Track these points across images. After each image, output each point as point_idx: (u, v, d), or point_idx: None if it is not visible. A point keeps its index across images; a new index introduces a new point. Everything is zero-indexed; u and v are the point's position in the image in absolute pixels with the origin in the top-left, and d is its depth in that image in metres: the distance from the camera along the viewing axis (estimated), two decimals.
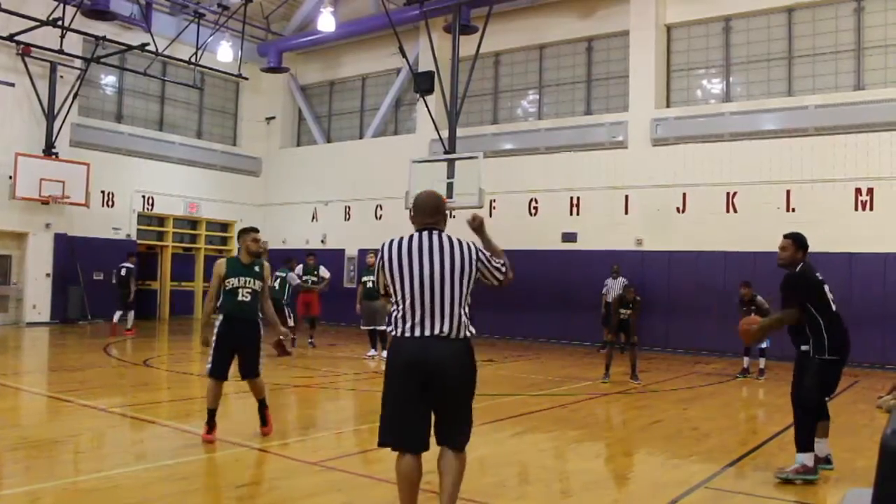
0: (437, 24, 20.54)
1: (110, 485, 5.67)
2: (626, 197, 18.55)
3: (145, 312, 21.31)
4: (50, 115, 20.18)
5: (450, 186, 17.63)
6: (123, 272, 18.20)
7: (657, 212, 18.01)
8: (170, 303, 23.94)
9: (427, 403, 4.22)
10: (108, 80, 22.90)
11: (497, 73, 21.90)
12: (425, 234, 4.33)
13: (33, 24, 18.49)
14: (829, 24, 17.09)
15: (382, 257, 4.35)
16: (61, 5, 18.47)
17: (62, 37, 19.24)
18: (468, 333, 4.27)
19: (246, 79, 23.88)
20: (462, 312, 4.23)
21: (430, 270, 4.20)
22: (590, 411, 9.95)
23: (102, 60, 20.70)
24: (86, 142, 21.40)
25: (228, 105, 25.98)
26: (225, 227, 25.51)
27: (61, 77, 20.40)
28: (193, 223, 24.78)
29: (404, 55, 19.77)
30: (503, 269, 4.39)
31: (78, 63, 20.53)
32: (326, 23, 20.59)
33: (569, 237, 19.29)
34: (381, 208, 22.75)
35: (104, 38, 20.13)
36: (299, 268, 15.80)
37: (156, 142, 23.24)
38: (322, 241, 23.86)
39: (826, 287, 6.33)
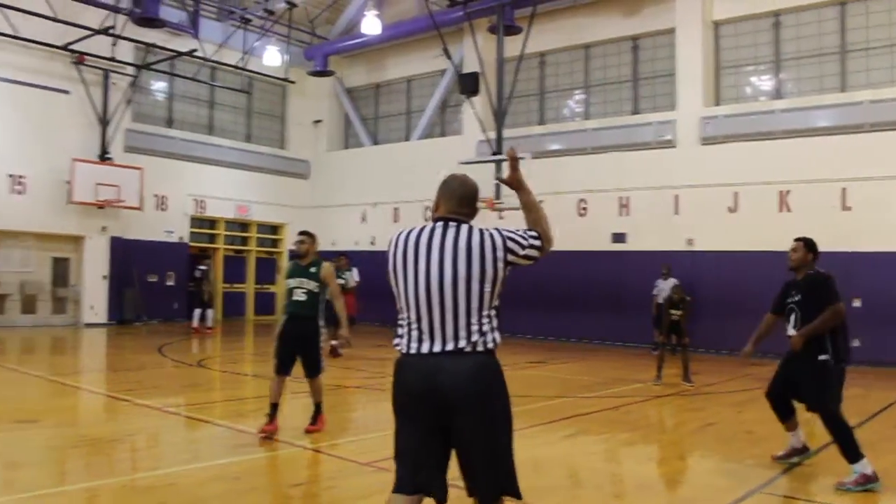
0: (481, 25, 20.54)
1: (166, 483, 5.77)
2: (676, 197, 18.31)
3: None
4: (104, 122, 20.64)
5: (498, 188, 17.62)
6: (199, 274, 19.52)
7: (708, 211, 17.76)
8: (223, 304, 24.29)
9: (443, 438, 3.34)
10: (159, 85, 23.30)
11: (542, 74, 21.81)
12: (440, 225, 3.45)
13: (87, 33, 18.94)
14: (883, 16, 16.66)
15: (389, 250, 3.53)
16: (113, 14, 18.89)
17: (114, 45, 19.67)
18: (491, 344, 3.35)
19: (292, 82, 24.14)
20: (483, 321, 3.34)
21: (440, 271, 3.31)
22: (642, 414, 9.86)
23: (153, 67, 21.16)
24: (139, 147, 21.81)
25: (276, 109, 26.27)
26: (275, 229, 25.82)
27: (114, 84, 20.86)
28: (244, 226, 25.11)
29: (449, 57, 19.81)
30: (537, 244, 3.45)
31: (130, 70, 20.96)
32: (371, 26, 20.73)
33: (618, 238, 19.13)
34: (428, 210, 22.75)
35: (154, 46, 20.56)
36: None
37: (206, 146, 23.60)
38: (371, 243, 23.98)
39: None
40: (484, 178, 17.11)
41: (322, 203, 25.82)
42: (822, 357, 6.11)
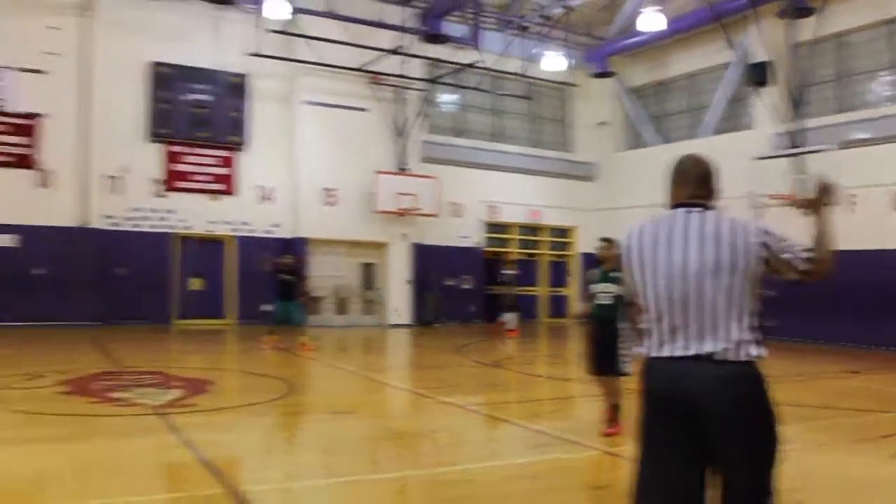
0: (768, 11, 19.10)
1: (466, 478, 5.95)
2: None
3: (493, 317, 22.20)
4: (401, 135, 22.10)
5: (800, 183, 16.28)
6: (505, 279, 20.67)
7: None
8: None
9: (696, 457, 2.91)
10: (448, 97, 24.44)
11: (840, 56, 19.74)
12: (681, 212, 3.10)
13: (380, 54, 20.36)
14: None
15: (624, 246, 3.19)
16: (402, 34, 20.20)
17: (404, 63, 20.95)
18: (752, 355, 2.90)
19: (575, 85, 24.18)
20: (740, 324, 2.91)
21: (684, 261, 2.95)
22: None
23: (440, 80, 22.27)
24: (433, 157, 23.04)
25: (559, 113, 26.45)
26: (564, 232, 25.99)
27: (406, 99, 22.28)
28: (534, 230, 25.57)
29: (734, 48, 18.68)
30: (807, 257, 2.96)
31: (420, 85, 22.22)
32: (650, 22, 20.01)
33: None
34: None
35: (440, 60, 21.64)
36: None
37: (495, 153, 24.37)
38: None
39: None
40: (781, 173, 16.04)
41: (610, 205, 25.43)
42: None
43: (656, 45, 23.65)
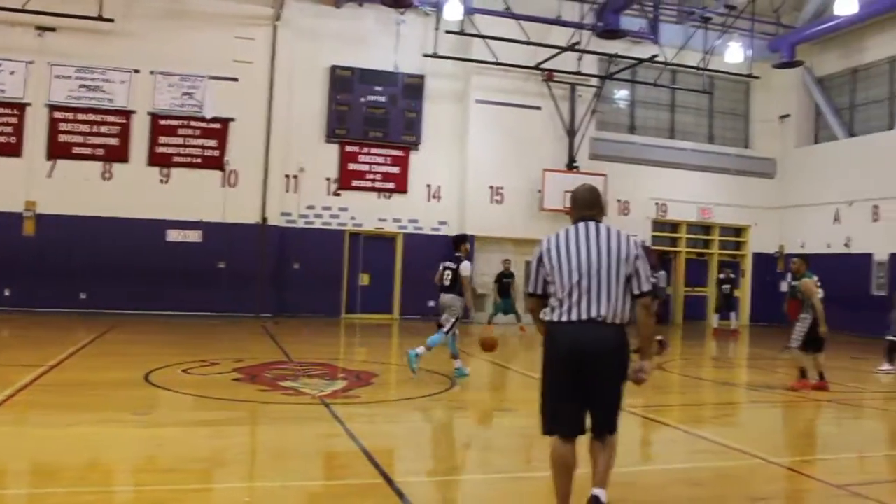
0: None
1: (626, 481, 5.79)
2: None
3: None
4: (571, 132, 21.89)
5: None
6: (722, 276, 21.31)
7: None
8: (683, 308, 24.15)
9: (581, 388, 4.40)
10: (622, 93, 23.97)
11: None
12: (581, 224, 4.50)
13: (555, 51, 20.26)
14: None
15: (542, 249, 4.50)
16: (578, 31, 19.97)
17: (580, 59, 20.73)
18: (623, 320, 4.38)
19: (756, 78, 23.03)
20: (621, 301, 4.36)
21: (587, 256, 4.37)
22: None
23: (616, 77, 21.83)
24: (602, 154, 22.67)
25: (739, 107, 25.30)
26: (738, 231, 24.87)
27: (580, 96, 22.03)
28: (706, 228, 24.63)
29: None
30: (648, 292, 4.45)
31: (594, 81, 21.92)
32: (846, 6, 18.58)
33: None
34: None
35: (616, 56, 21.22)
36: None
37: (667, 149, 23.66)
38: (845, 245, 21.86)
39: None
40: None
41: (789, 202, 24.21)
42: None
43: (852, 29, 21.89)
